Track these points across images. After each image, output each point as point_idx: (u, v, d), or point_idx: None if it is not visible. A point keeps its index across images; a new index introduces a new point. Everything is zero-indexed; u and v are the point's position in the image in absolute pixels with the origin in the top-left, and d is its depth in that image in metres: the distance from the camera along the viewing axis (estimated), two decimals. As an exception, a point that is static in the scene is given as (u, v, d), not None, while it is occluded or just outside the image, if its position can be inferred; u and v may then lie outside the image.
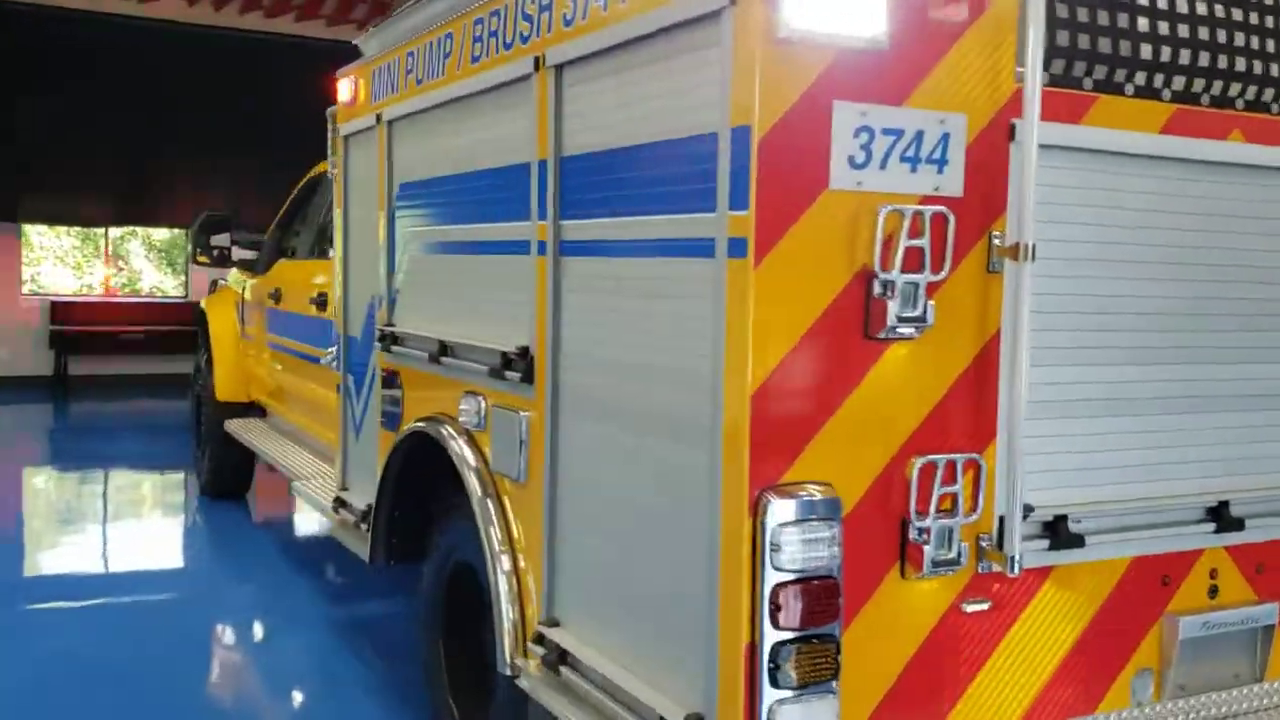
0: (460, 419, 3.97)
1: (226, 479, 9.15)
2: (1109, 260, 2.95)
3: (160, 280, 21.43)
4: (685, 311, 2.74)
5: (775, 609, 2.52)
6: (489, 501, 3.75)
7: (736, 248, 2.53)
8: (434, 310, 4.28)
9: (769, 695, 2.53)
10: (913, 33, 2.60)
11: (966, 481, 2.72)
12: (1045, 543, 2.86)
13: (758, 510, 2.52)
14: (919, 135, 2.63)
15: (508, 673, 3.56)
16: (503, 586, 3.62)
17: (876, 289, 2.59)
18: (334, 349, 6.06)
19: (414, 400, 4.48)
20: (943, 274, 2.63)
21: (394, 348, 4.59)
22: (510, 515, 3.68)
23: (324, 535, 8.58)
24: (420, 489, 4.54)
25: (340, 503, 5.29)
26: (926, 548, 2.68)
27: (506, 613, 3.59)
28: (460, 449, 3.92)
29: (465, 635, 4.38)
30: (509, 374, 3.58)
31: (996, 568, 2.79)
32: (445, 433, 4.01)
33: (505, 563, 3.63)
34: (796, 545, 2.52)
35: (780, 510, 2.51)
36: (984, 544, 2.78)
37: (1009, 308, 2.76)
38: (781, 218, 2.51)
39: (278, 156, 17.12)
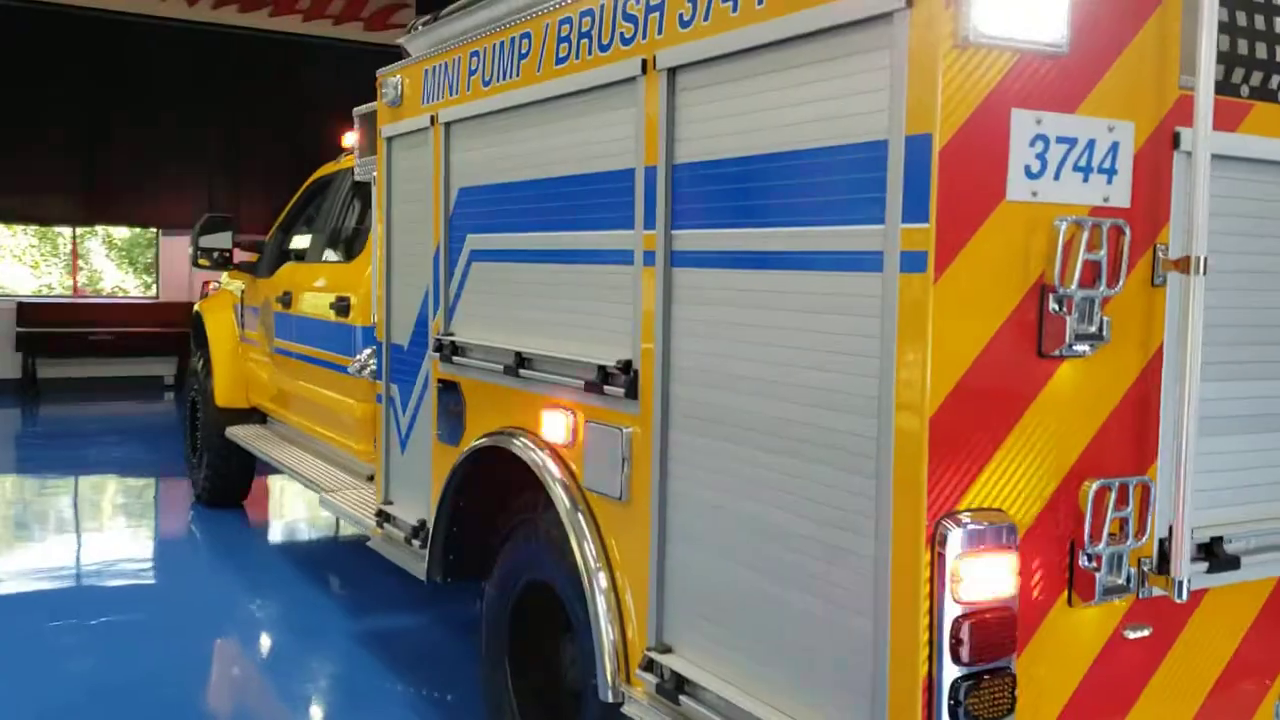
0: (544, 434, 3.82)
1: (225, 487, 8.91)
2: (1262, 272, 2.86)
3: (121, 280, 21.01)
4: (841, 327, 2.61)
5: (956, 643, 2.40)
6: (580, 518, 3.60)
7: (912, 261, 2.40)
8: (507, 320, 4.12)
9: (947, 731, 2.41)
10: (1088, 37, 2.49)
11: (1136, 504, 2.62)
12: (1204, 565, 2.77)
13: (935, 540, 2.40)
14: (1090, 144, 2.52)
15: (610, 700, 3.42)
16: (601, 607, 3.47)
17: (1052, 304, 2.48)
18: (362, 356, 5.88)
19: (479, 413, 4.32)
20: (1117, 288, 2.52)
21: (456, 358, 4.42)
22: (605, 534, 3.53)
23: (330, 542, 8.38)
24: (483, 505, 4.39)
25: (385, 517, 5.11)
26: (1097, 574, 2.57)
27: (606, 634, 3.44)
28: (543, 464, 3.77)
29: (535, 656, 4.24)
30: (609, 388, 3.43)
31: (1159, 592, 2.69)
32: (524, 446, 3.86)
33: (602, 581, 3.49)
34: (978, 576, 2.40)
35: (960, 540, 2.39)
36: (1145, 568, 2.68)
37: (1174, 322, 2.67)
38: (960, 230, 2.39)
39: (252, 155, 17.03)
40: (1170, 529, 2.66)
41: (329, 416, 6.79)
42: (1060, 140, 2.48)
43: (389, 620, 6.43)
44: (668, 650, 3.25)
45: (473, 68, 4.29)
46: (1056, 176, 2.49)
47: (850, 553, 2.58)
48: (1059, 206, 2.49)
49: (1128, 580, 2.63)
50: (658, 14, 3.21)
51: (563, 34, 3.69)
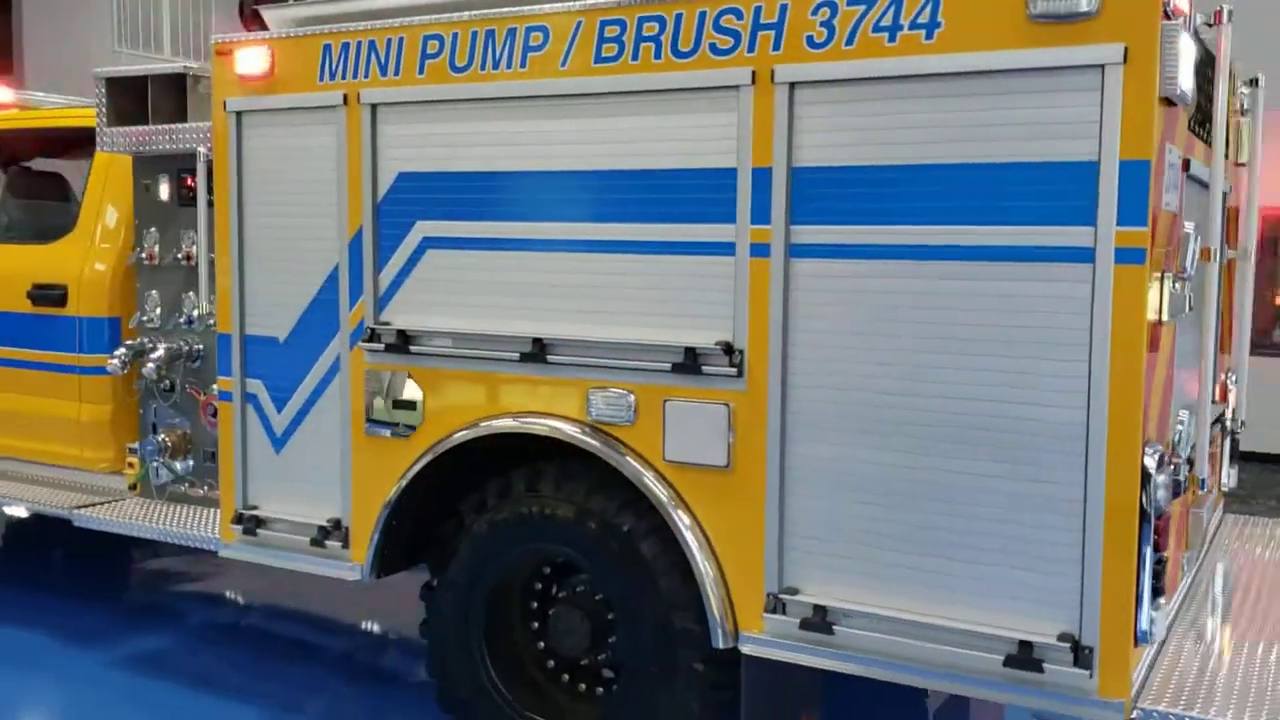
0: (591, 414, 4.01)
1: None
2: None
3: None
4: (1036, 313, 3.33)
5: (1159, 536, 3.27)
6: (661, 488, 3.90)
7: (1129, 256, 3.20)
8: (501, 309, 4.16)
9: (1147, 608, 3.28)
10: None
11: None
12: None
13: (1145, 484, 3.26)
14: (1174, 168, 3.49)
15: (723, 645, 3.81)
16: (706, 567, 3.83)
17: (1174, 285, 3.42)
18: (123, 352, 5.29)
19: (445, 402, 4.30)
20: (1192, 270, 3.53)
21: (412, 348, 4.33)
22: (694, 500, 3.87)
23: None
24: (439, 496, 4.41)
25: (254, 521, 4.76)
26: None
27: (713, 589, 3.82)
28: (597, 444, 3.99)
29: (529, 633, 4.39)
30: (709, 368, 3.77)
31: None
32: (569, 429, 4.03)
33: (700, 540, 3.84)
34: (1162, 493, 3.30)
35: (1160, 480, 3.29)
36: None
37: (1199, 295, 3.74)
38: (1156, 230, 3.24)
39: None
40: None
41: (36, 427, 5.85)
42: (1170, 166, 3.41)
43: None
44: (794, 591, 3.73)
45: (431, 51, 4.22)
46: (1176, 189, 3.43)
47: (1051, 489, 3.34)
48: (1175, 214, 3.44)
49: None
50: (773, 32, 3.62)
51: (608, 34, 3.89)
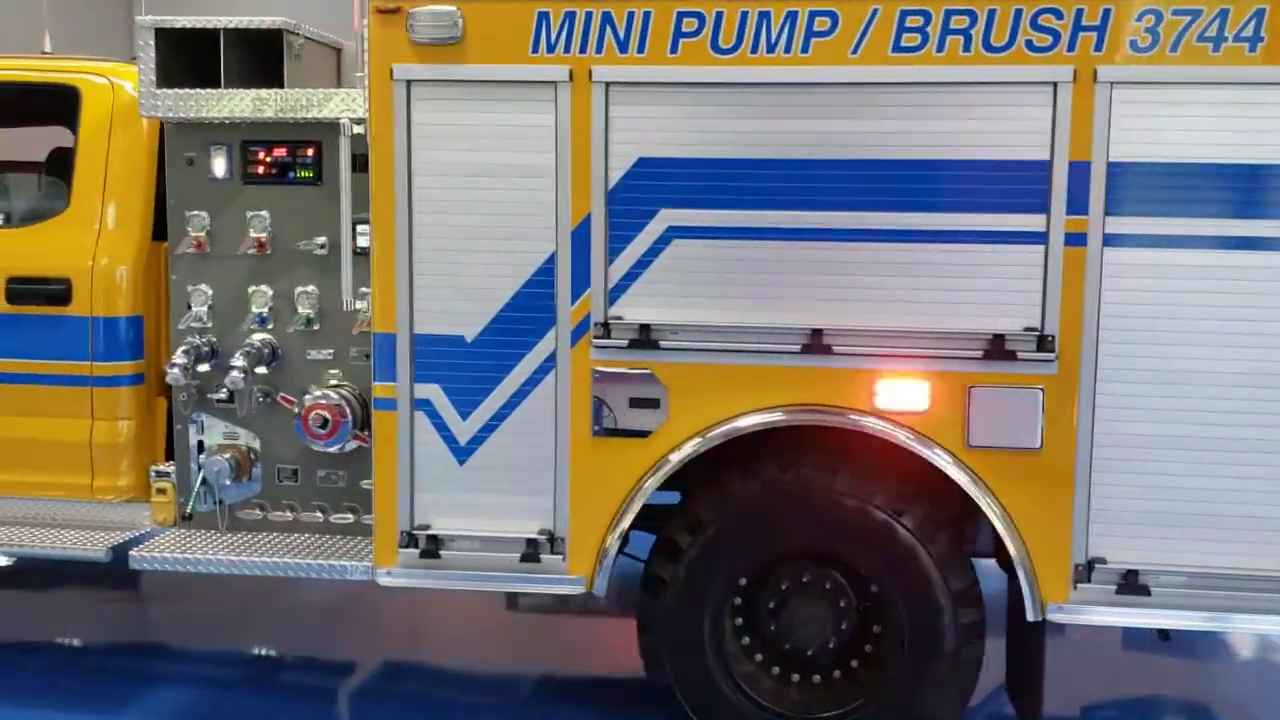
0: (878, 403, 4.03)
1: None
2: None
3: None
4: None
5: None
6: (962, 472, 4.01)
7: None
8: (776, 299, 4.04)
9: None
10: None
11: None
12: None
13: None
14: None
15: (1036, 618, 4.01)
16: (1015, 546, 4.00)
17: None
18: (183, 360, 4.50)
19: (693, 399, 4.11)
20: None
21: (663, 343, 4.08)
22: (998, 483, 4.02)
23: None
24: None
25: (433, 542, 4.25)
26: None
27: (1021, 567, 4.01)
28: (889, 430, 4.03)
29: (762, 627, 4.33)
30: (1022, 353, 3.93)
31: None
32: (872, 422, 4.04)
33: (1009, 522, 4.01)
34: None
35: None
36: None
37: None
38: None
39: None
40: None
41: (20, 455, 4.74)
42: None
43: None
44: (1102, 560, 4.01)
45: (687, 29, 3.98)
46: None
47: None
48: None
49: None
50: (1095, 34, 3.82)
51: (909, 24, 3.89)
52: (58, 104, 4.88)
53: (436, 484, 4.29)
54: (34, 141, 5.82)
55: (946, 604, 4.10)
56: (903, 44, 3.92)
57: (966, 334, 3.97)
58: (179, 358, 4.52)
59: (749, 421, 4.10)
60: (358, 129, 4.23)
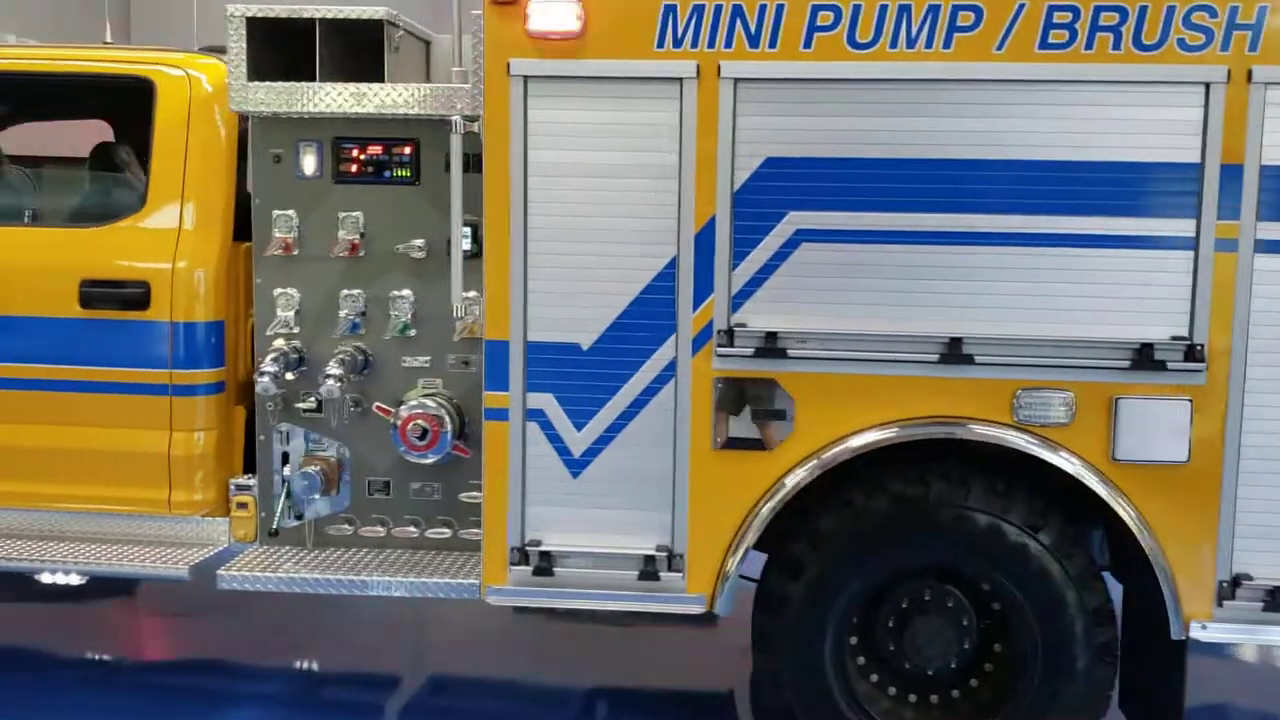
0: (1018, 416, 3.87)
1: None
2: None
3: None
4: None
5: None
6: (1105, 485, 3.86)
7: None
8: (910, 306, 3.88)
9: None
10: None
11: None
12: None
13: None
14: None
15: (1180, 636, 3.87)
16: (1161, 560, 3.86)
17: None
18: (338, 371, 4.28)
19: (827, 409, 3.94)
20: None
21: (791, 351, 3.91)
22: (1141, 497, 3.87)
23: None
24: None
25: (544, 558, 4.06)
26: None
27: (1166, 584, 3.86)
28: (1031, 444, 3.87)
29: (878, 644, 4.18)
30: (1172, 363, 3.78)
31: None
32: (1015, 437, 3.89)
33: (1154, 537, 3.86)
34: None
35: None
36: None
37: None
38: None
39: None
40: None
41: (97, 467, 4.50)
42: None
43: None
44: (1248, 577, 3.87)
45: (823, 23, 3.81)
46: None
47: None
48: None
49: None
50: (1249, 32, 3.68)
51: (1057, 20, 3.74)
52: (124, 98, 4.65)
53: (549, 498, 4.10)
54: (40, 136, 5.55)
55: (1080, 622, 3.96)
56: (1050, 40, 3.76)
57: (1112, 343, 3.82)
58: (269, 365, 4.30)
59: (877, 436, 3.94)
60: (471, 127, 4.03)
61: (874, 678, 4.23)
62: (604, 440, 4.06)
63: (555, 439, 4.07)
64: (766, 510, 3.98)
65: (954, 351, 3.88)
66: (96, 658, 5.55)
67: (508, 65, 3.93)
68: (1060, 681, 3.99)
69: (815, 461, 3.96)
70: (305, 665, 5.44)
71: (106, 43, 5.54)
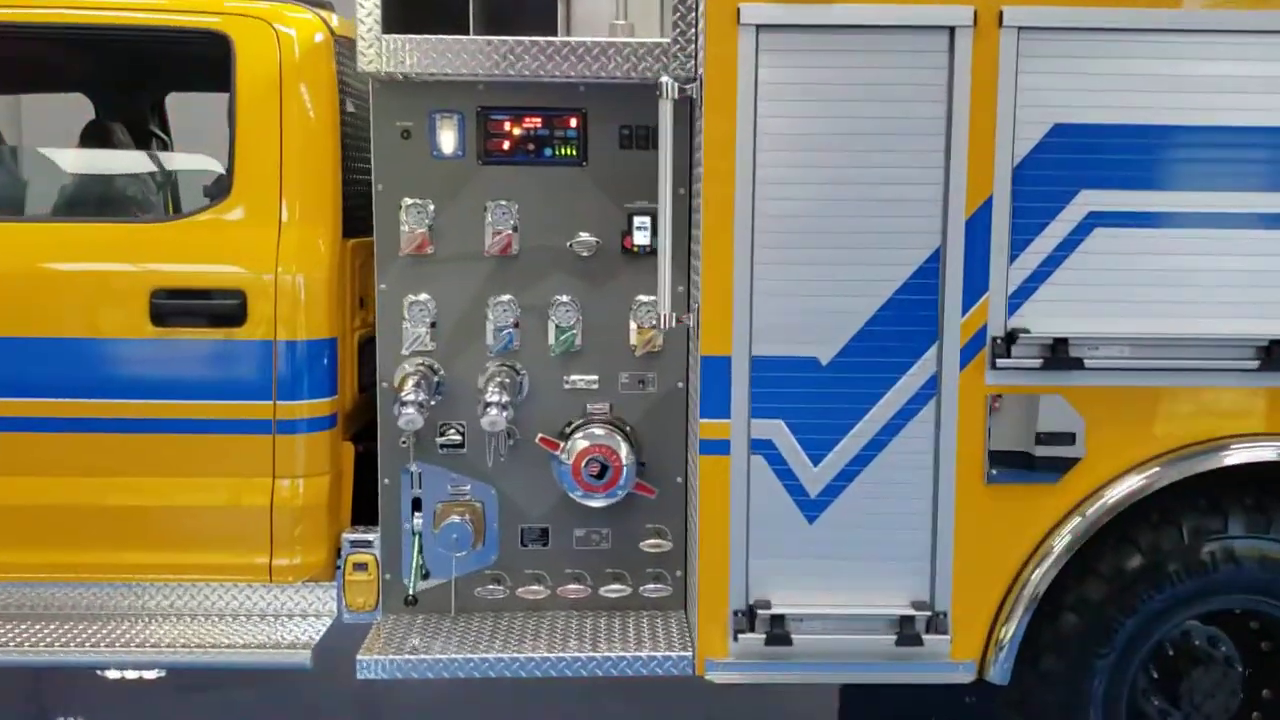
0: (1355, 433, 3.24)
1: None
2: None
3: None
4: None
5: None
6: None
7: None
8: (1227, 304, 3.22)
9: None
10: None
11: None
12: None
13: None
14: None
15: None
16: None
17: None
18: (500, 397, 3.45)
19: (1122, 431, 3.26)
20: None
21: (1090, 361, 3.20)
22: None
23: None
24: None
25: (775, 622, 3.29)
26: None
27: None
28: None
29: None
30: None
31: None
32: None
33: None
34: None
35: None
36: None
37: None
38: None
39: None
40: None
41: (177, 528, 3.57)
42: None
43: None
44: None
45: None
46: None
47: None
48: None
49: None
50: None
51: None
52: (189, 57, 3.74)
53: (779, 548, 3.32)
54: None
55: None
56: None
57: None
58: (411, 393, 3.43)
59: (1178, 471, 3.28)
60: (686, 89, 3.22)
61: None
62: (847, 476, 3.30)
63: (787, 475, 3.30)
64: (1062, 548, 3.28)
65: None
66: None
67: (737, 11, 3.13)
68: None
69: (1118, 493, 3.27)
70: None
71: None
